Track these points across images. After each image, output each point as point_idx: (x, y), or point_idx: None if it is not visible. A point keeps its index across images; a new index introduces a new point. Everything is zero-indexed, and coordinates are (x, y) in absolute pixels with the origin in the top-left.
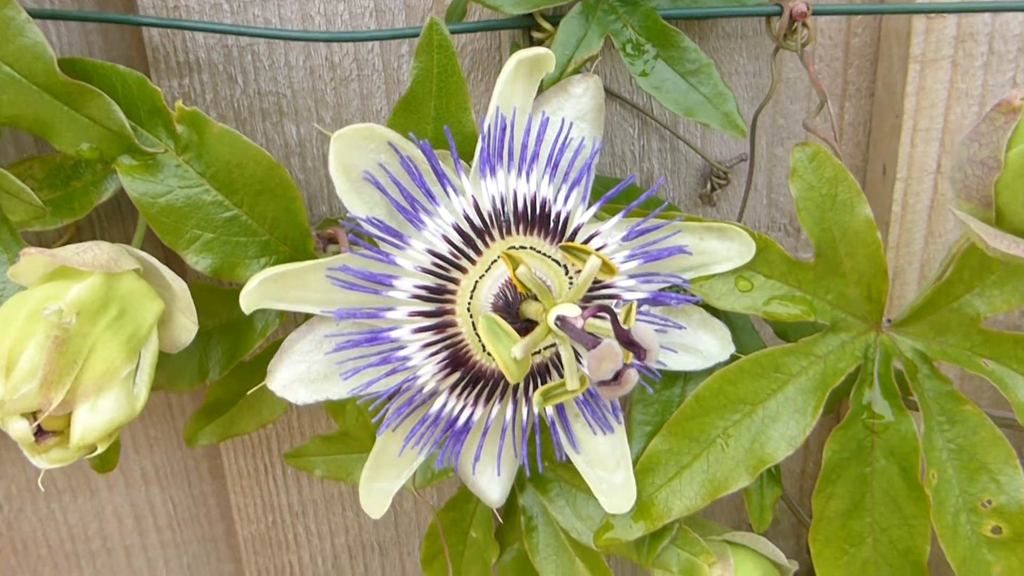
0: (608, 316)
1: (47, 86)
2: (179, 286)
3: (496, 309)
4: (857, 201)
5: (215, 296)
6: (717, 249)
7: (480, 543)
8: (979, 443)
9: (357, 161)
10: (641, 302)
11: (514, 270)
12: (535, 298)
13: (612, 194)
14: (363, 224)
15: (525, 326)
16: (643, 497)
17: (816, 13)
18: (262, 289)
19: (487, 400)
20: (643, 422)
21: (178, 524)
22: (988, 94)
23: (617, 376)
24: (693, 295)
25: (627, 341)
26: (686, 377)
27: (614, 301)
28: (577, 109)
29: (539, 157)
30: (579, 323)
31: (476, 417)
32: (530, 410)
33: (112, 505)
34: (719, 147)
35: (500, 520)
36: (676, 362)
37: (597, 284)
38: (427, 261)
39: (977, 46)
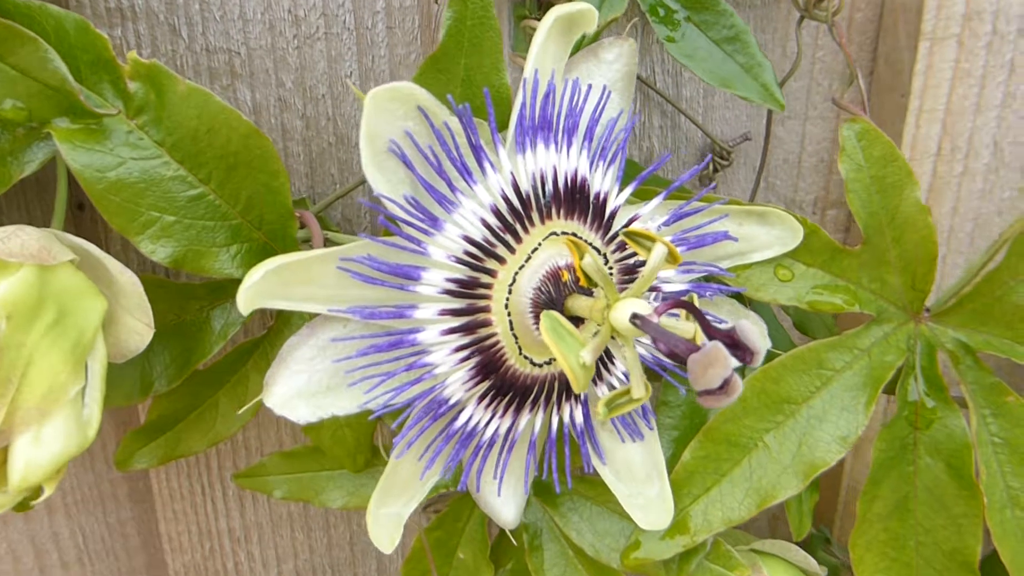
0: (691, 313)
1: None
2: (128, 280)
3: (537, 306)
4: (907, 183)
5: (161, 291)
6: (757, 235)
7: (469, 564)
8: (1022, 436)
9: (383, 128)
10: (678, 294)
11: (580, 259)
12: (584, 292)
13: (649, 172)
14: (387, 204)
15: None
16: (678, 510)
17: None
18: (264, 284)
19: (517, 410)
20: (670, 427)
21: (89, 558)
22: (988, 75)
23: (724, 384)
24: (728, 285)
25: (732, 343)
26: None
27: (652, 294)
28: (608, 77)
29: (578, 130)
30: (654, 319)
31: (502, 430)
32: (560, 421)
33: (7, 542)
34: (720, 125)
35: (514, 541)
36: None
37: (631, 275)
38: (460, 250)
39: (982, 25)
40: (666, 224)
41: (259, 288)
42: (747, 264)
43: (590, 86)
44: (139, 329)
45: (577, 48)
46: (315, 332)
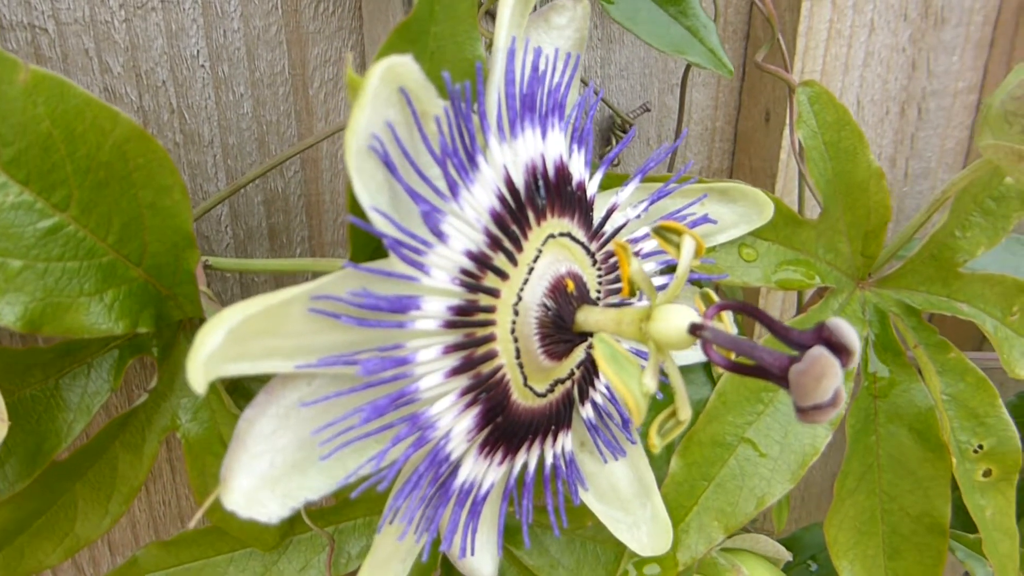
0: (753, 316)
1: None
2: None
3: (543, 326)
4: (860, 147)
5: None
6: (721, 214)
7: None
8: (966, 389)
9: (368, 118)
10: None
11: (629, 266)
12: (591, 302)
13: (616, 152)
14: (377, 219)
15: (568, 346)
16: (673, 525)
17: None
18: (226, 348)
19: (514, 453)
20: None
21: None
22: (854, 35)
23: (835, 395)
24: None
25: (833, 344)
26: None
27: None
28: (560, 44)
29: (557, 108)
30: (718, 328)
31: (498, 479)
32: (554, 454)
33: None
34: (616, 96)
35: None
36: (679, 356)
37: (608, 269)
38: (459, 269)
39: None
40: (645, 211)
41: (221, 354)
42: (711, 247)
43: (569, 55)
44: None
45: None
46: (273, 398)
